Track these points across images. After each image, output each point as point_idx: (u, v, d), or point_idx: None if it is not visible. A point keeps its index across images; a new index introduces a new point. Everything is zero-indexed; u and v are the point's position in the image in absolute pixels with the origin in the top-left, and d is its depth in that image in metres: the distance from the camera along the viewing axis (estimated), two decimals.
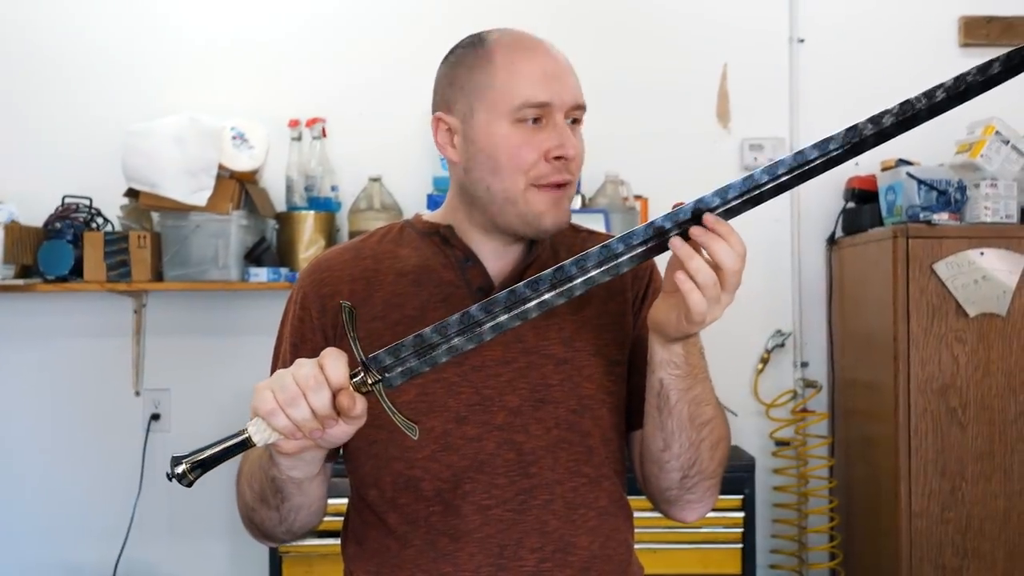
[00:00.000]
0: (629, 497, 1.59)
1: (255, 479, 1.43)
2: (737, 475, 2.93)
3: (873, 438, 3.15)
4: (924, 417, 2.93)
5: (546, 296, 1.29)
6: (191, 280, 3.18)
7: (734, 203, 1.29)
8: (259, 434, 1.24)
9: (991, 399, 2.94)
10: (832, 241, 3.48)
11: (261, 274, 3.17)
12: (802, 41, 3.52)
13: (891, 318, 2.95)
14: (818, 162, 1.29)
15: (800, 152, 1.28)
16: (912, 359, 2.93)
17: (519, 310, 1.28)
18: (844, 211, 3.42)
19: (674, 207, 1.31)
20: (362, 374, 1.25)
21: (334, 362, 1.23)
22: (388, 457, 1.48)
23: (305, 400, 1.21)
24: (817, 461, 3.42)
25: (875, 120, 1.28)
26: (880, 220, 3.21)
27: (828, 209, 3.47)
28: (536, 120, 1.45)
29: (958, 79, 1.27)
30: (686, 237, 1.28)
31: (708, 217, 1.27)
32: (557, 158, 1.44)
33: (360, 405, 1.23)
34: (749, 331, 3.45)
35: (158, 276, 3.21)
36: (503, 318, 1.28)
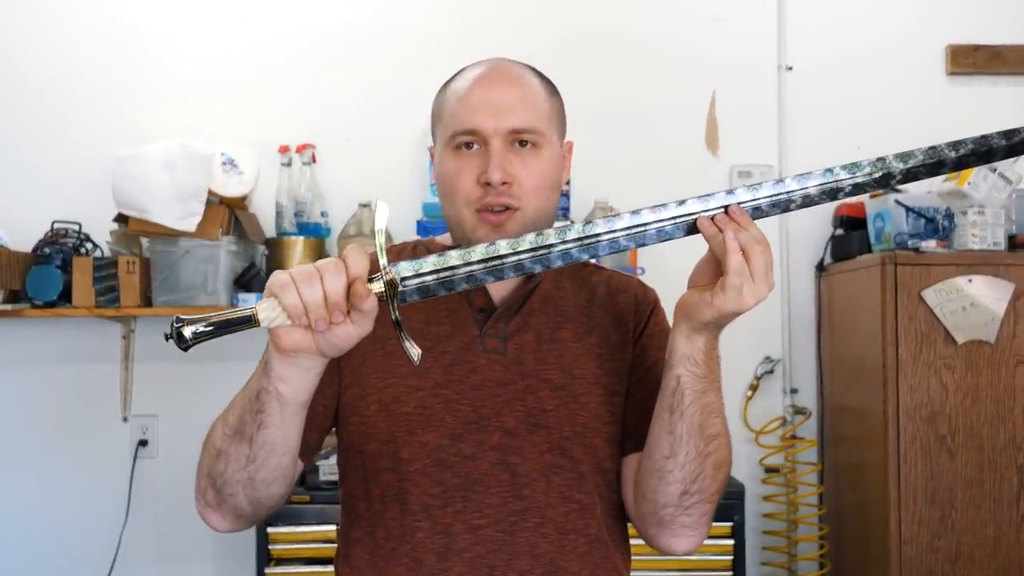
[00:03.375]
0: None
1: (233, 411, 1.37)
2: (726, 502, 2.91)
3: (862, 465, 3.15)
4: (913, 444, 2.93)
5: (571, 247, 1.31)
6: (180, 305, 3.17)
7: (762, 202, 1.33)
8: (265, 311, 1.21)
9: (980, 426, 2.94)
10: (821, 268, 3.48)
11: (250, 300, 3.16)
12: (790, 69, 3.55)
13: (880, 345, 2.96)
14: (847, 184, 1.33)
15: (830, 169, 1.32)
16: (901, 386, 2.93)
17: (542, 255, 1.30)
18: (833, 238, 3.43)
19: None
20: (380, 279, 1.24)
21: (357, 255, 1.22)
22: (378, 468, 1.49)
23: (320, 281, 1.19)
24: (807, 488, 3.42)
25: (903, 157, 1.33)
26: (868, 247, 3.23)
27: (817, 235, 3.48)
28: (469, 146, 1.48)
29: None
30: None
31: (733, 207, 1.31)
32: (487, 183, 1.46)
33: (371, 300, 1.21)
34: (738, 357, 3.45)
35: (147, 301, 3.20)
36: (526, 258, 1.30)
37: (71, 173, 3.42)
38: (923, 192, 3.19)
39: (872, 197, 3.26)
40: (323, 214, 3.38)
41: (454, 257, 1.28)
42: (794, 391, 3.52)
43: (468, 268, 1.28)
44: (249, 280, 3.22)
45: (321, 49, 3.52)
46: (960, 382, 2.94)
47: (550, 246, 1.30)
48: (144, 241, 3.26)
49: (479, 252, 1.29)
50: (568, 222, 3.19)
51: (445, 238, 1.63)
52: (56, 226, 3.27)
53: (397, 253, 1.63)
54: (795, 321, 3.52)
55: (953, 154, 1.33)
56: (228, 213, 3.21)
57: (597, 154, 3.27)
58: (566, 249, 1.31)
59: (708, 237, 1.31)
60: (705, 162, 3.53)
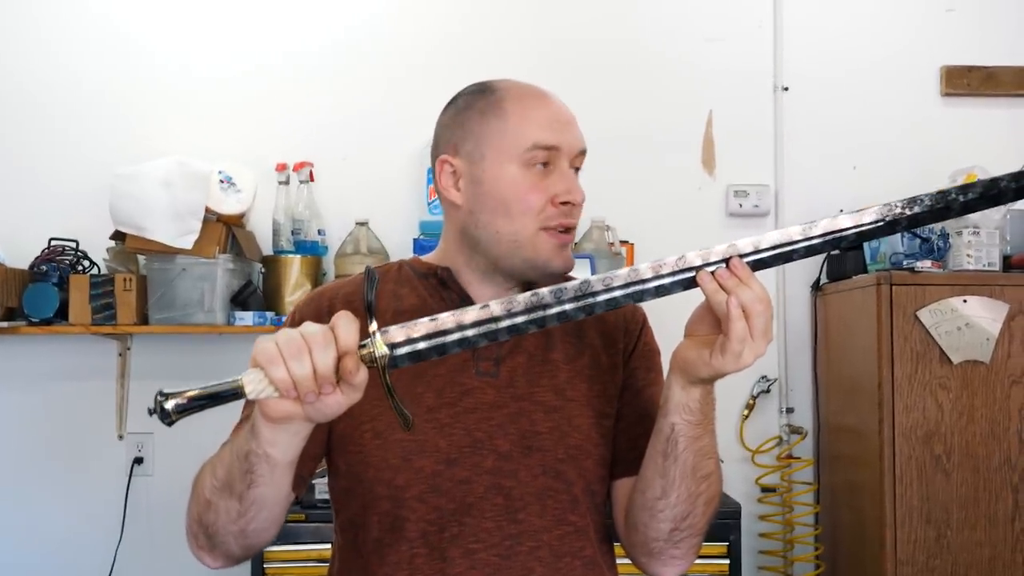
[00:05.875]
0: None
1: (222, 464, 1.36)
2: (722, 522, 2.91)
3: (858, 485, 3.15)
4: (909, 464, 2.93)
5: (567, 307, 1.27)
6: (176, 323, 3.17)
7: (766, 255, 1.29)
8: (253, 384, 1.18)
9: (975, 446, 2.94)
10: (817, 287, 3.49)
11: (247, 318, 3.17)
12: (786, 89, 3.56)
13: (875, 364, 2.96)
14: (851, 232, 1.29)
15: (835, 218, 1.30)
16: (896, 406, 2.93)
17: (537, 315, 1.26)
18: (828, 257, 3.44)
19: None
20: (370, 346, 1.21)
21: (347, 325, 1.18)
22: (375, 496, 1.48)
23: (309, 356, 1.15)
24: (802, 508, 3.42)
25: (910, 201, 1.32)
26: (864, 267, 3.23)
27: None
28: (544, 164, 1.47)
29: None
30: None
31: (735, 261, 1.28)
32: (564, 203, 1.46)
33: (362, 374, 1.18)
34: (734, 377, 3.40)
35: (143, 319, 3.20)
36: (520, 320, 1.25)
37: (69, 191, 3.42)
38: None
39: None
40: (320, 232, 3.39)
41: (446, 320, 1.24)
42: (790, 410, 3.52)
43: (461, 332, 1.24)
44: (246, 298, 3.22)
45: (319, 67, 3.53)
46: (955, 402, 2.95)
47: (545, 306, 1.26)
48: (141, 259, 3.26)
49: (472, 314, 1.24)
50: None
51: (431, 257, 1.60)
52: (53, 243, 3.28)
53: (382, 275, 1.59)
54: (791, 341, 3.52)
55: (961, 198, 1.33)
56: (225, 231, 3.21)
57: (593, 173, 3.25)
58: (562, 311, 1.26)
59: (708, 294, 1.28)
60: (701, 181, 3.55)
